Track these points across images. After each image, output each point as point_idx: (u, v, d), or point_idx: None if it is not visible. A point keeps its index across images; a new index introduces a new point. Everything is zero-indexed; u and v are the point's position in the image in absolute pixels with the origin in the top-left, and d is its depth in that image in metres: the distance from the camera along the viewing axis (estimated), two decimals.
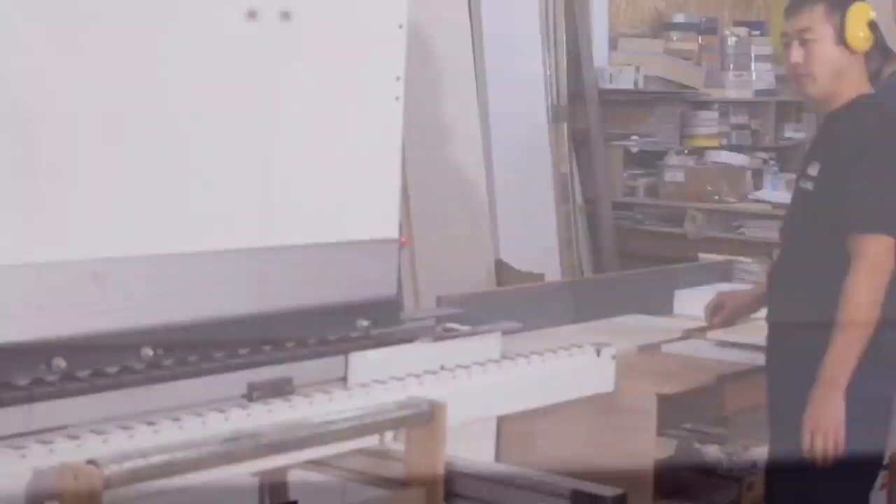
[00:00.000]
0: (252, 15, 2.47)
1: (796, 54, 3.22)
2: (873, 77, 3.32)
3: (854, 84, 3.24)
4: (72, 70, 2.20)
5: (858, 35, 3.20)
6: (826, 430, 3.05)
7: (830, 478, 3.13)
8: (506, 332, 3.09)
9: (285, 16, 2.53)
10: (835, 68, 3.22)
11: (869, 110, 3.24)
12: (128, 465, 1.94)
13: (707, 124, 7.76)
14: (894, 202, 3.14)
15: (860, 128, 3.22)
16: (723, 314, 3.71)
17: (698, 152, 7.58)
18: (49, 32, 2.16)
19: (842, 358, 3.10)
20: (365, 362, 2.65)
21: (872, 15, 3.24)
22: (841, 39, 3.19)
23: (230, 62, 2.46)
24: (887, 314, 3.16)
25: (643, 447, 3.30)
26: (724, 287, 4.78)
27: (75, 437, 2.03)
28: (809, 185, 3.27)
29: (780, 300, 3.37)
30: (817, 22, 3.19)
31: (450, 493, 2.34)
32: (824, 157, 3.29)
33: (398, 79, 2.75)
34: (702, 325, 3.92)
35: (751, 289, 3.99)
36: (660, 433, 3.38)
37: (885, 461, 3.54)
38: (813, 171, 3.26)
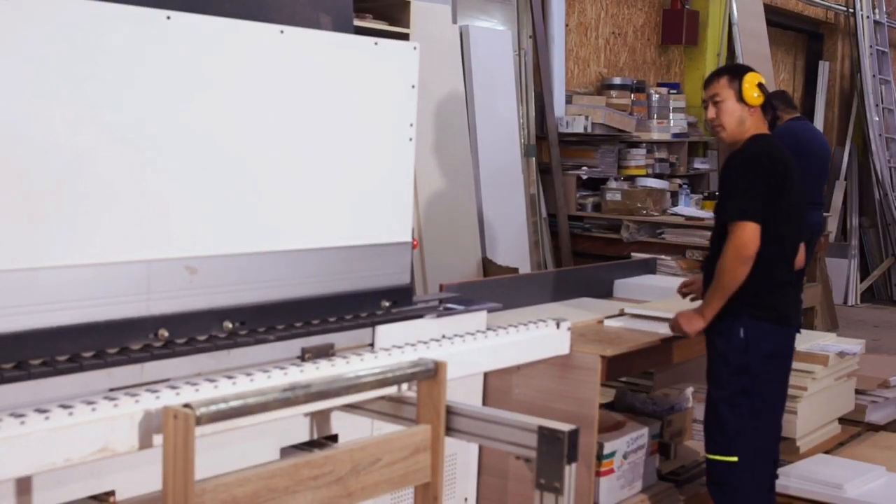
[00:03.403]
0: (306, 78, 2.47)
1: (711, 112, 3.37)
2: (773, 122, 3.42)
3: (753, 129, 3.33)
4: (176, 124, 2.19)
5: (753, 95, 3.31)
6: (682, 329, 3.36)
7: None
8: (490, 311, 3.08)
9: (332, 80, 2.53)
10: (737, 119, 3.32)
11: (754, 142, 3.32)
12: (213, 407, 1.93)
13: (637, 158, 7.78)
14: (758, 200, 3.18)
15: (741, 151, 3.32)
16: (691, 287, 3.76)
17: (631, 179, 7.59)
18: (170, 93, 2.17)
19: (711, 302, 3.28)
20: (387, 332, 2.65)
21: (762, 79, 3.34)
22: (740, 98, 3.30)
23: (295, 129, 2.45)
24: (777, 281, 3.28)
25: (590, 395, 3.29)
26: (651, 277, 4.78)
27: (175, 388, 2.03)
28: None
29: (705, 274, 3.46)
30: (723, 87, 3.34)
31: (449, 429, 2.33)
32: (721, 176, 3.41)
33: (411, 125, 2.74)
34: (632, 306, 3.92)
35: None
36: (602, 385, 3.37)
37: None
38: (719, 189, 3.41)
